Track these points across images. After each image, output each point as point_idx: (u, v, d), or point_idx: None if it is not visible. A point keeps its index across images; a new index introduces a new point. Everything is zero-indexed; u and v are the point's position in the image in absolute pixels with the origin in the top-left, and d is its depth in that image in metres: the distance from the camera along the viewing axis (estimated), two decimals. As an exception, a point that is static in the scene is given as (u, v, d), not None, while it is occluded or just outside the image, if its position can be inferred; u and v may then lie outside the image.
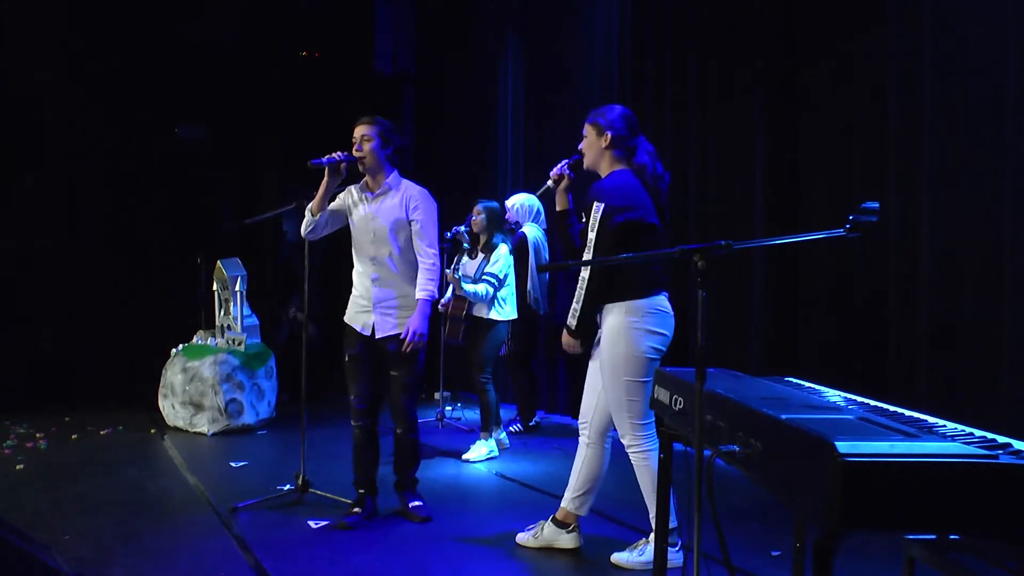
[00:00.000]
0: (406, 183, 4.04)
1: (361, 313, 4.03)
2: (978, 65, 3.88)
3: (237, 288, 6.50)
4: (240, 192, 8.57)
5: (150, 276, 7.95)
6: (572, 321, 3.34)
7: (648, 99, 6.06)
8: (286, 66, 8.54)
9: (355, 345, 4.04)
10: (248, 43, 8.38)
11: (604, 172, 3.41)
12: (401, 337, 3.90)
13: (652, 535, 3.28)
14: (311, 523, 3.99)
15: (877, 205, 2.03)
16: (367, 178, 4.03)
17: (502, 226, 5.63)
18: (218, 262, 6.65)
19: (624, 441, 3.37)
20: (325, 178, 3.92)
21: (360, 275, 4.04)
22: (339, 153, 3.92)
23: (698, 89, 5.67)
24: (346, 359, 4.05)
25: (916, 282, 4.11)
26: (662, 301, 3.32)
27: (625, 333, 3.25)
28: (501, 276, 5.39)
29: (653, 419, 3.31)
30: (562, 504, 3.59)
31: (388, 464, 4.24)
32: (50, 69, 7.55)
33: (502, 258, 5.42)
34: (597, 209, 3.23)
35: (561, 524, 3.58)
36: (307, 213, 3.97)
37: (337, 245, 4.26)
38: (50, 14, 7.52)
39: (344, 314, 4.12)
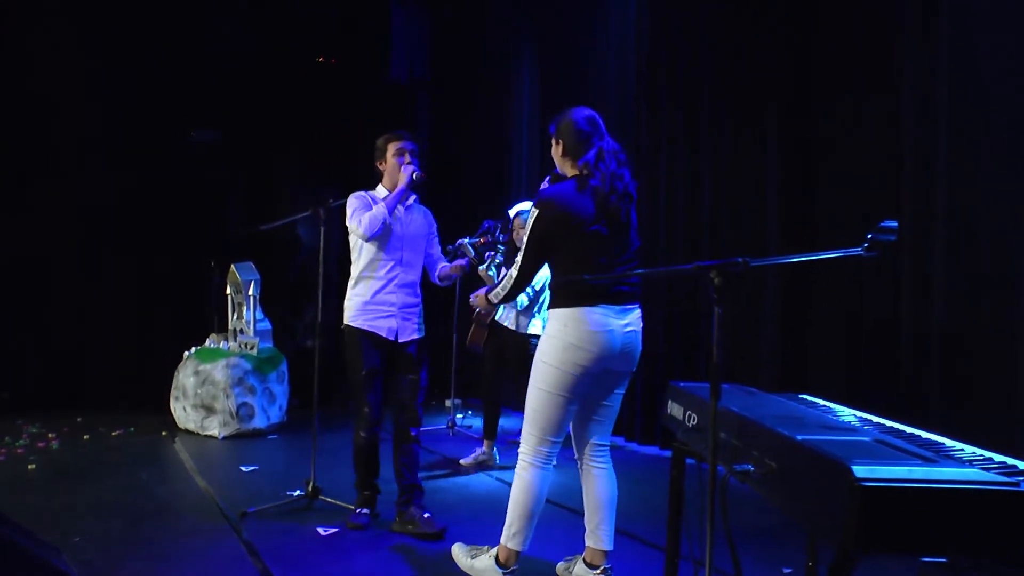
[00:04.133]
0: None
1: (384, 318, 4.05)
2: (995, 79, 3.84)
3: (250, 292, 6.52)
4: (255, 197, 8.59)
5: (163, 279, 7.97)
6: (494, 298, 3.35)
7: (663, 109, 6.05)
8: (301, 72, 8.57)
9: (375, 356, 4.05)
10: (264, 49, 8.41)
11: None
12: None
13: (496, 548, 3.26)
14: (320, 530, 3.99)
15: (896, 224, 2.01)
16: (391, 188, 4.13)
17: None
18: (232, 266, 6.68)
19: (520, 448, 3.27)
20: (405, 186, 4.03)
21: (380, 280, 4.06)
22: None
23: (712, 102, 5.66)
24: (364, 372, 4.01)
25: (930, 301, 4.08)
26: (592, 314, 3.08)
27: (547, 341, 3.16)
28: (538, 288, 5.36)
29: (558, 440, 3.20)
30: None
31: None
32: (64, 73, 7.58)
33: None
34: (533, 213, 3.16)
35: (589, 565, 3.34)
36: (384, 214, 3.95)
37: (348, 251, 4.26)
38: (64, 18, 7.56)
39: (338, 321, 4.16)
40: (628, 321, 3.18)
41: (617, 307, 3.14)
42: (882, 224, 2.03)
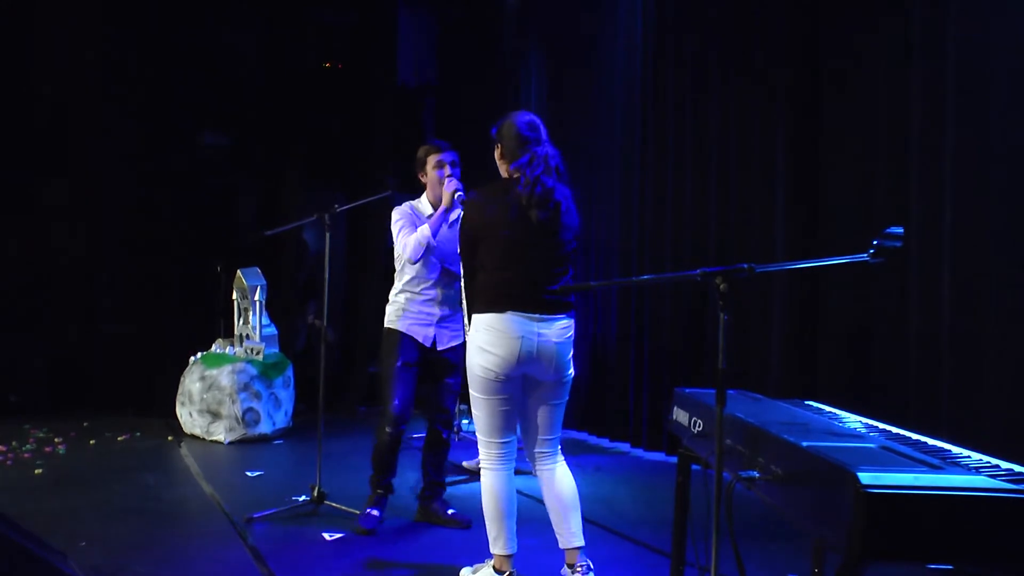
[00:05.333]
0: None
1: (422, 325, 4.14)
2: (1004, 78, 3.83)
3: (256, 297, 6.53)
4: (261, 202, 8.62)
5: (170, 284, 7.99)
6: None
7: (669, 113, 6.05)
8: (308, 76, 8.59)
9: (412, 353, 4.12)
10: (272, 53, 8.43)
11: None
12: None
13: (492, 560, 3.23)
14: (326, 535, 3.99)
15: (902, 230, 2.01)
16: (434, 201, 4.17)
17: None
18: (238, 271, 6.69)
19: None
20: (448, 206, 4.00)
21: (420, 295, 4.14)
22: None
23: (719, 105, 5.66)
24: (399, 364, 4.08)
25: (938, 306, 4.06)
26: (499, 320, 3.11)
27: (468, 346, 3.23)
28: None
29: (503, 440, 3.21)
30: None
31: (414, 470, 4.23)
32: (76, 77, 7.63)
33: None
34: (462, 215, 3.31)
35: (568, 566, 3.30)
36: (428, 238, 3.96)
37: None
38: (77, 22, 7.60)
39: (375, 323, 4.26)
40: (545, 331, 3.14)
41: (532, 315, 3.13)
42: (888, 230, 2.02)
